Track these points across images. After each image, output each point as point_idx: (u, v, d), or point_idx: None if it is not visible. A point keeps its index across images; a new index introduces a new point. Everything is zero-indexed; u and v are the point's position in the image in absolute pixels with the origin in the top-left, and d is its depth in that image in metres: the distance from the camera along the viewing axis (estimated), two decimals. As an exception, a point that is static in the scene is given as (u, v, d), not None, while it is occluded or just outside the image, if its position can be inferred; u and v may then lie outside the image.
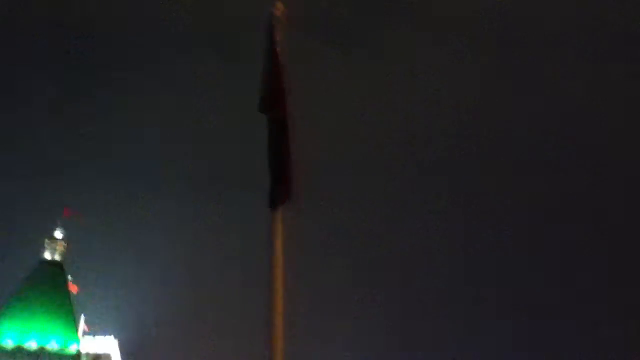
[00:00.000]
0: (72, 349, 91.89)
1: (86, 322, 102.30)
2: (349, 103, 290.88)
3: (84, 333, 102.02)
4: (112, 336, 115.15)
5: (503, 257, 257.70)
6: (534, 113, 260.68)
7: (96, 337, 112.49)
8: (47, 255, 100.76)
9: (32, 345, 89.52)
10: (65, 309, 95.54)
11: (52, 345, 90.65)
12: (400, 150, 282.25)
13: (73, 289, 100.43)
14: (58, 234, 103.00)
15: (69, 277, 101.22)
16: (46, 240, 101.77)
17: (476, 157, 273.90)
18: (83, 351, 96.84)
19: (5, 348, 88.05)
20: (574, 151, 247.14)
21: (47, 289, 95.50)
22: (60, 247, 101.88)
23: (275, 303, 6.68)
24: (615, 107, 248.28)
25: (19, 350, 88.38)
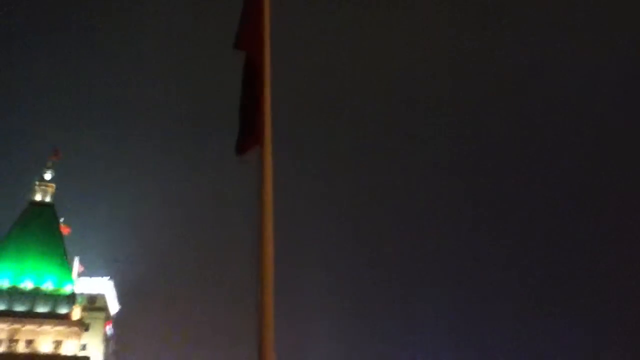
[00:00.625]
0: (67, 290, 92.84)
1: (81, 262, 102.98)
2: (341, 45, 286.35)
3: (79, 274, 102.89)
4: (107, 277, 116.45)
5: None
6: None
7: (92, 277, 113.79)
8: (38, 197, 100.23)
9: (27, 285, 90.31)
10: (59, 250, 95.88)
11: (48, 286, 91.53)
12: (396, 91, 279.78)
13: (65, 230, 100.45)
14: (48, 176, 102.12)
15: (61, 219, 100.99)
16: (36, 182, 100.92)
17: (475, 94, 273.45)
18: (78, 292, 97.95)
19: (1, 288, 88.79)
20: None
21: (39, 231, 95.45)
22: (50, 188, 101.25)
23: (265, 246, 6.73)
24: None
25: (14, 290, 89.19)
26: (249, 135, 7.21)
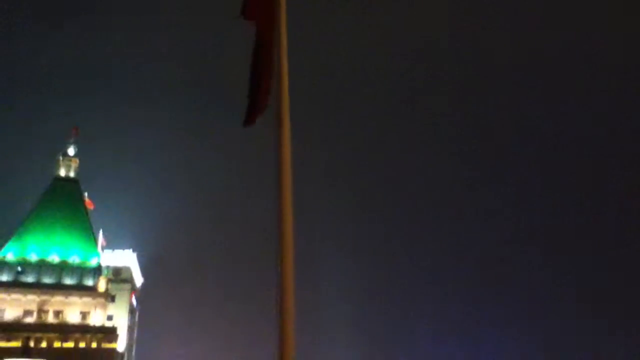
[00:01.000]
0: (93, 262, 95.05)
1: (105, 236, 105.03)
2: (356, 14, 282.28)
3: (103, 247, 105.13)
4: (130, 250, 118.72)
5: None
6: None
7: (115, 251, 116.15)
8: (62, 172, 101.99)
9: (54, 258, 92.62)
10: (84, 224, 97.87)
11: (74, 259, 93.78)
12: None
13: (89, 205, 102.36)
14: (71, 151, 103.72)
15: (85, 193, 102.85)
16: (60, 158, 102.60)
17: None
18: (103, 264, 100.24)
19: (29, 261, 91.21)
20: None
21: (65, 205, 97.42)
22: (74, 163, 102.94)
23: (285, 211, 6.88)
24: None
25: (42, 263, 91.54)
26: (256, 106, 7.23)
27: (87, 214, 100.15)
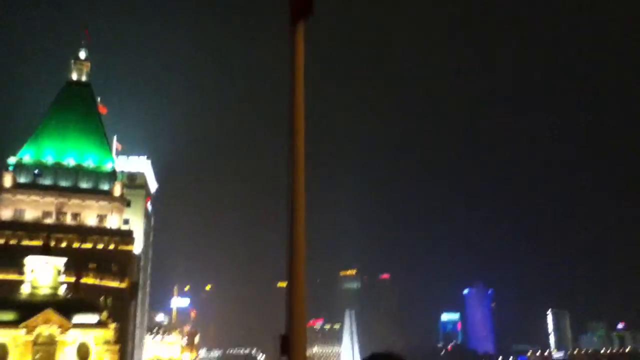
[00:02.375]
0: (108, 167, 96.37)
1: (119, 142, 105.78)
2: None
3: (118, 153, 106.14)
4: (145, 156, 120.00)
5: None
6: None
7: (130, 157, 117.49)
8: (74, 76, 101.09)
9: (70, 162, 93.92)
10: (97, 129, 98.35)
11: (89, 163, 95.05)
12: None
13: (102, 110, 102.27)
14: (82, 54, 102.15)
15: (98, 98, 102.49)
16: (72, 61, 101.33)
17: None
18: (118, 170, 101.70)
19: (46, 164, 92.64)
20: None
21: (78, 109, 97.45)
22: (85, 67, 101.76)
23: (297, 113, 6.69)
24: None
25: (58, 166, 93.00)
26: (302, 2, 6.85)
27: (100, 118, 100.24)
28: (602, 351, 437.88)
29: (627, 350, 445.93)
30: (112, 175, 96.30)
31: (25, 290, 56.86)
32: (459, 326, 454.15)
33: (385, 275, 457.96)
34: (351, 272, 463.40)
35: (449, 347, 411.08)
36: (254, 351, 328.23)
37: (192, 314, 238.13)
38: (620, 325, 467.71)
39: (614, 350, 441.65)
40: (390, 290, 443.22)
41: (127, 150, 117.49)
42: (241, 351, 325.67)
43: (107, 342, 56.21)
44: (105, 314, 59.30)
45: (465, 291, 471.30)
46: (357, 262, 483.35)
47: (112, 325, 57.88)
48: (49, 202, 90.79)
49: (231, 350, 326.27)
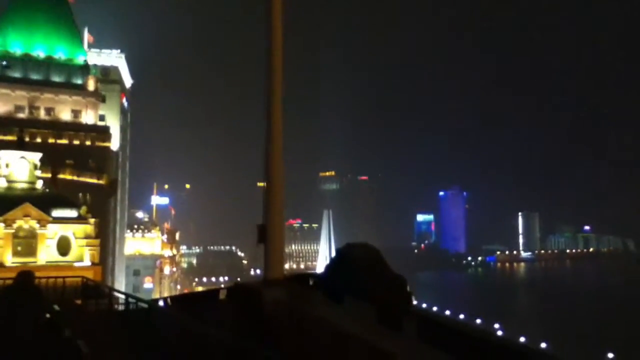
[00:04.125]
0: (80, 60, 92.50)
1: (90, 33, 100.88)
2: None
3: (89, 45, 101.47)
4: (118, 50, 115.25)
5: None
6: None
7: (103, 51, 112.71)
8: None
9: (39, 54, 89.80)
10: (68, 19, 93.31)
11: (60, 56, 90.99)
12: None
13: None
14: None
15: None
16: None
17: None
18: (91, 63, 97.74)
19: (14, 55, 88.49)
20: None
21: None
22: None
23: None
24: None
25: (28, 58, 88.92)
26: None
27: (69, 8, 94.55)
28: (567, 251, 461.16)
29: (590, 250, 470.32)
30: (84, 69, 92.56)
31: (1, 184, 55.97)
32: (432, 227, 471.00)
33: (364, 177, 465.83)
34: (330, 173, 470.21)
35: (422, 246, 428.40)
36: (234, 248, 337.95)
37: (172, 212, 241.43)
38: (586, 228, 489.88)
39: (579, 250, 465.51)
40: (368, 191, 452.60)
41: (100, 44, 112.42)
42: (222, 247, 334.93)
43: (87, 237, 56.37)
44: (84, 209, 59.06)
45: (441, 193, 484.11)
46: (336, 164, 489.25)
47: (92, 220, 57.84)
48: (21, 96, 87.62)
49: (212, 247, 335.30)
